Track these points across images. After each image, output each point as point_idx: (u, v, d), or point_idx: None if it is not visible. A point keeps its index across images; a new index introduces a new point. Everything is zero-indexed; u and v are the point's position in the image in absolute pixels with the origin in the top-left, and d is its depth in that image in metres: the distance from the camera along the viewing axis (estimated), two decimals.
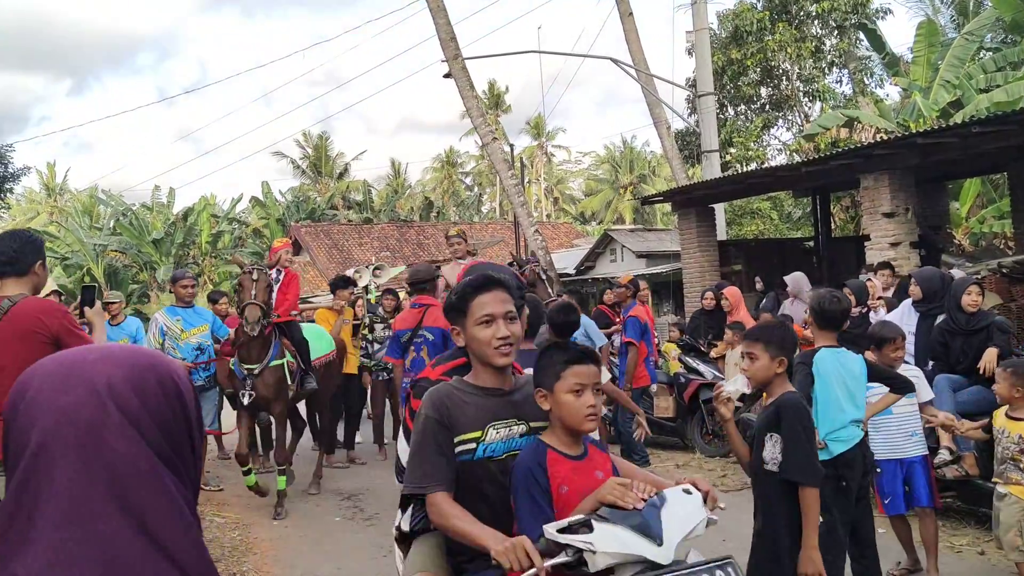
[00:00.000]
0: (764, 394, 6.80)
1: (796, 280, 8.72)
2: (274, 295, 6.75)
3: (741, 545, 5.44)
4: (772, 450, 3.03)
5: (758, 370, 3.11)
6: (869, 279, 8.13)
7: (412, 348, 6.06)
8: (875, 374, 4.11)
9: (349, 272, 9.54)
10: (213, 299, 9.20)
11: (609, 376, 5.17)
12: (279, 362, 6.49)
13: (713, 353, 8.73)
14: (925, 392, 4.76)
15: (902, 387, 4.23)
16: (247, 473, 6.52)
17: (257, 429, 7.65)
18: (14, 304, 3.75)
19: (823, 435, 3.78)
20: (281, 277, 7.14)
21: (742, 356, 3.08)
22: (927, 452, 4.79)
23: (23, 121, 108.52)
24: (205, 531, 6.01)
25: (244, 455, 6.54)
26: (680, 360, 8.89)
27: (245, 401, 6.38)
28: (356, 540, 5.92)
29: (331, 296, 8.83)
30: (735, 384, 2.98)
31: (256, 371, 6.37)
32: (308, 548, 5.76)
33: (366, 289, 10.82)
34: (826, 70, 21.63)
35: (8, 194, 19.13)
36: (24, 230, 4.22)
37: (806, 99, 21.87)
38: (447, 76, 15.75)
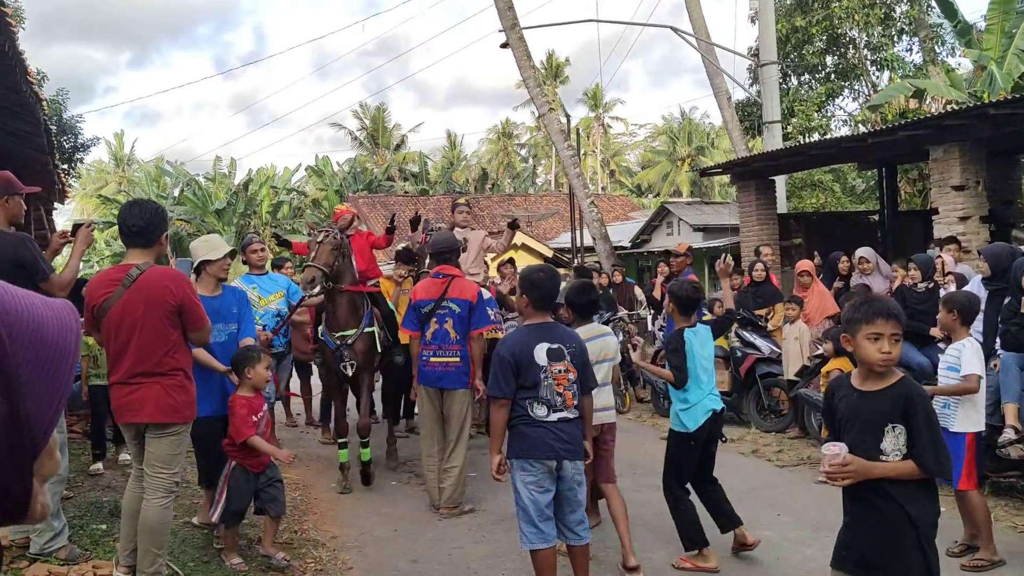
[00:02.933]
0: (823, 372, 6.66)
1: (874, 253, 8.66)
2: (352, 261, 6.69)
3: (795, 519, 5.43)
4: (895, 442, 2.77)
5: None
6: (939, 256, 7.93)
7: (435, 320, 5.83)
8: (715, 331, 5.07)
9: (401, 246, 9.58)
10: (277, 265, 9.32)
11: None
12: (371, 330, 6.46)
13: (769, 326, 8.64)
14: (968, 365, 4.63)
15: (723, 324, 5.35)
16: (343, 446, 6.46)
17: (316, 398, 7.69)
18: (142, 272, 3.93)
19: (684, 407, 4.71)
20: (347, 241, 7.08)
21: (873, 338, 2.78)
22: (973, 431, 4.63)
23: (88, 91, 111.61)
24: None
25: (344, 426, 6.49)
26: (736, 334, 8.79)
27: (349, 372, 6.33)
28: (411, 504, 6.04)
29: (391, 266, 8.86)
30: (842, 448, 2.79)
31: (351, 340, 6.33)
32: (365, 510, 5.90)
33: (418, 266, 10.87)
34: (895, 38, 20.88)
35: (79, 164, 19.72)
36: (151, 201, 4.28)
37: (874, 68, 21.19)
38: (504, 46, 15.68)
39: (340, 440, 6.49)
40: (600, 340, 4.76)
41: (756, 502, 5.86)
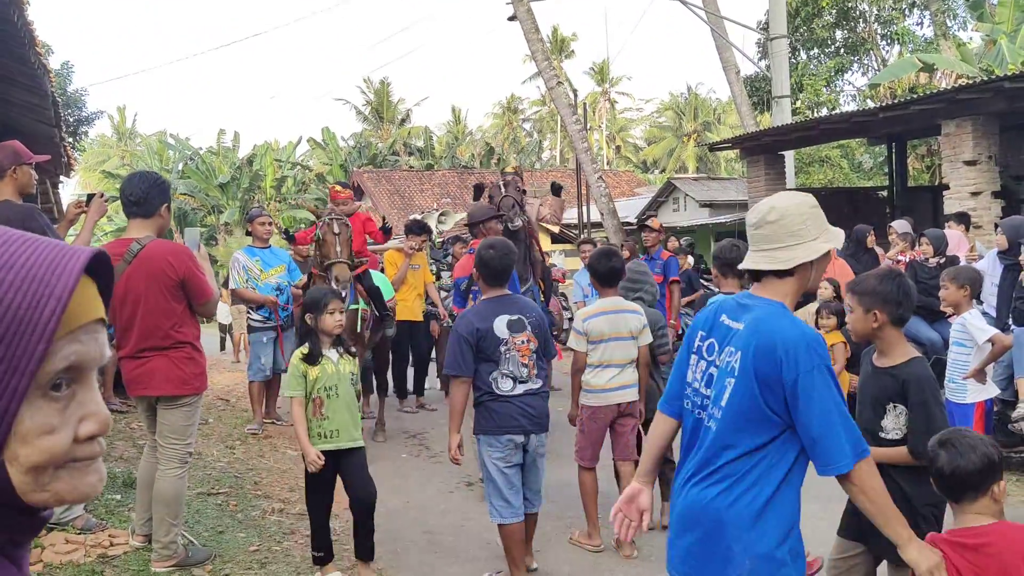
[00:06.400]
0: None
1: (904, 225, 8.43)
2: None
3: (803, 491, 5.43)
4: (895, 420, 2.77)
5: (852, 322, 2.95)
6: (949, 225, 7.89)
7: (471, 297, 5.66)
8: None
9: (415, 217, 9.54)
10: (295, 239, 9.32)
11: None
12: (355, 307, 6.44)
13: None
14: (984, 332, 4.63)
15: None
16: None
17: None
18: (143, 247, 3.90)
19: None
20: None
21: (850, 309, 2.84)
22: (982, 400, 4.66)
23: (84, 63, 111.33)
24: (279, 463, 6.25)
25: None
26: None
27: None
28: (422, 476, 6.07)
29: (400, 239, 8.82)
30: None
31: None
32: (377, 483, 5.89)
33: (430, 235, 10.88)
34: (906, 11, 20.67)
35: (84, 137, 19.65)
36: (152, 172, 4.27)
37: (884, 42, 20.98)
38: (512, 19, 15.54)
39: None
40: (619, 316, 4.54)
41: None
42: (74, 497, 0.79)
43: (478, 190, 7.60)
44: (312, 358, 3.84)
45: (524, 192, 7.12)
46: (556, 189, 7.58)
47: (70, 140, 18.19)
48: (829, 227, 2.26)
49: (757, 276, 2.28)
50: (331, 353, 3.89)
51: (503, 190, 6.53)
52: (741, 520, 2.15)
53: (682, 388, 2.39)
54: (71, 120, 18.00)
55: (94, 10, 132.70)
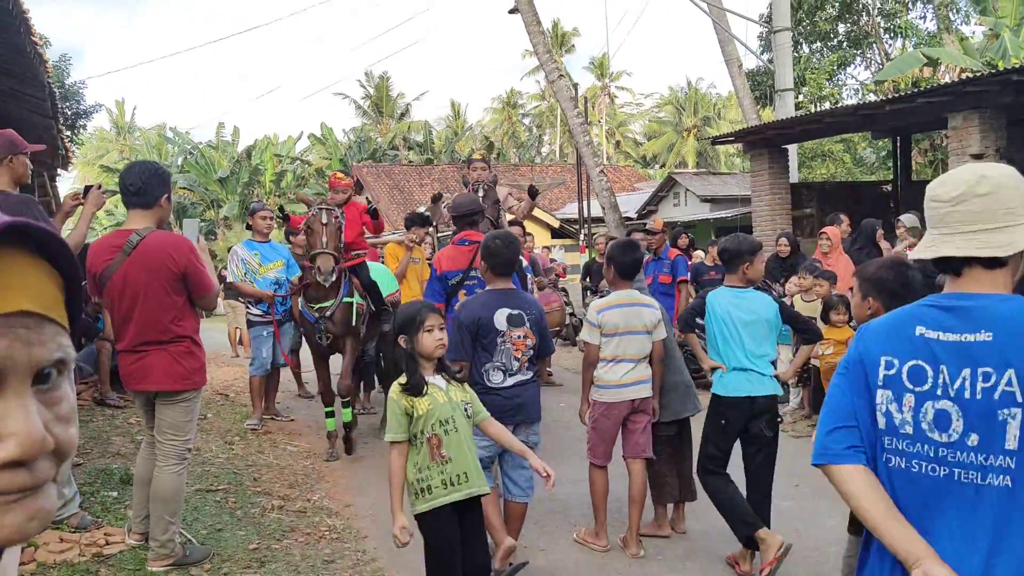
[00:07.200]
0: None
1: (912, 219, 8.29)
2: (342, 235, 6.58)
3: (812, 489, 5.35)
4: None
5: (853, 307, 3.05)
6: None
7: (463, 292, 5.45)
8: (787, 318, 4.34)
9: (420, 210, 9.38)
10: (295, 233, 9.18)
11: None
12: (350, 300, 6.30)
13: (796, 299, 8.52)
14: None
15: (812, 336, 4.55)
16: (330, 415, 6.36)
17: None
18: (143, 238, 3.81)
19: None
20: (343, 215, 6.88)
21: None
22: None
23: (80, 57, 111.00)
24: (279, 459, 6.16)
25: (328, 394, 6.40)
26: None
27: (324, 343, 6.21)
28: None
29: (401, 232, 8.70)
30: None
31: (328, 312, 6.16)
32: (377, 477, 5.81)
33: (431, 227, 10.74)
34: (909, 5, 20.56)
35: (82, 131, 19.53)
36: (152, 162, 4.19)
37: (887, 36, 20.88)
38: (513, 11, 15.43)
39: (327, 409, 6.40)
40: (634, 309, 4.37)
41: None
42: None
43: (436, 199, 7.69)
44: (415, 389, 3.11)
45: (495, 181, 7.20)
46: (532, 191, 7.54)
47: (68, 134, 18.05)
48: None
49: (954, 268, 1.69)
50: (436, 380, 3.20)
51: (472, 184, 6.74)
52: None
53: (854, 437, 1.77)
54: (69, 113, 17.86)
55: (92, 3, 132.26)
